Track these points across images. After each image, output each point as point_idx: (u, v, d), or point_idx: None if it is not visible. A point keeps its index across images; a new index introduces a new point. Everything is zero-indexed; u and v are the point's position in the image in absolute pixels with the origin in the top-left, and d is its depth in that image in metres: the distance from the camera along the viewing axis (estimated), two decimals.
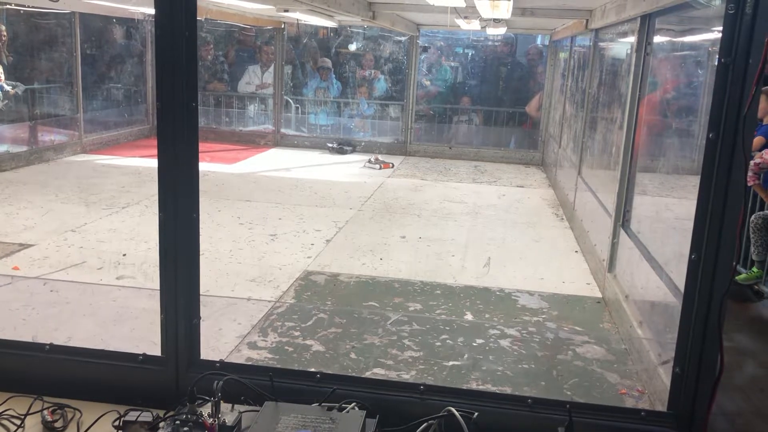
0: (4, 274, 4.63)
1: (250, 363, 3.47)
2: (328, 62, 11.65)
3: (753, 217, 4.89)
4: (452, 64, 11.74)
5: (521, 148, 11.05)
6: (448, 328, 4.19)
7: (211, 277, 4.84)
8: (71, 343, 3.74)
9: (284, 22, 10.68)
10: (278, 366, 3.55)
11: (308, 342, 3.86)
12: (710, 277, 2.67)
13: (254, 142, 11.23)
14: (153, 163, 7.34)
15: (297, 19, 9.18)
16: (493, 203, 7.85)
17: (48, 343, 3.19)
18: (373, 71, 11.70)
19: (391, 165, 9.75)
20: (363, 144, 11.21)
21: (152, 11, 2.14)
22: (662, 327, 3.48)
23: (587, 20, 6.40)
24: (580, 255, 5.85)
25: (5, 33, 9.43)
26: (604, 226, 5.00)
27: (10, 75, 9.23)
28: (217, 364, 3.08)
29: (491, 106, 11.31)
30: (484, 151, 10.97)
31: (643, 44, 4.39)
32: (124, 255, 5.22)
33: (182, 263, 2.95)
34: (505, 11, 5.29)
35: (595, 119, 6.13)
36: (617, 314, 4.32)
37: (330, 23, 9.32)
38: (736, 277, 4.98)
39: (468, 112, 11.42)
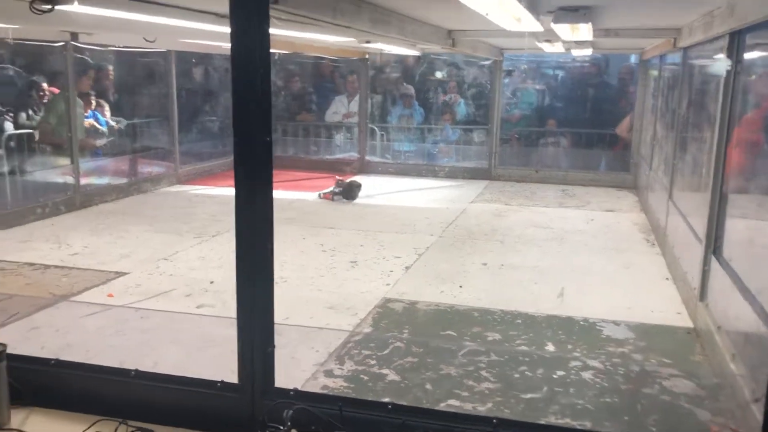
0: (96, 303, 4.89)
1: (323, 392, 3.50)
2: (411, 89, 11.76)
3: None
4: (538, 87, 11.60)
5: (612, 171, 10.72)
6: (527, 359, 4.08)
7: (291, 305, 4.94)
8: (157, 369, 3.89)
9: (368, 53, 10.88)
10: (352, 395, 3.57)
11: (383, 371, 3.86)
12: None
13: (340, 169, 11.42)
14: None
15: (380, 50, 9.33)
16: (580, 228, 7.63)
17: (134, 369, 3.35)
18: (453, 96, 11.71)
19: (331, 197, 8.96)
20: (446, 170, 11.20)
21: None
22: (757, 361, 3.26)
23: (675, 39, 6.18)
24: (671, 282, 5.59)
25: (112, 72, 10.11)
26: (695, 251, 4.76)
27: (114, 111, 9.86)
28: (291, 393, 3.12)
29: (580, 127, 11.07)
30: (573, 174, 10.71)
31: (734, 62, 4.19)
32: (212, 282, 5.40)
33: (257, 294, 3.05)
34: (585, 33, 5.19)
35: (686, 140, 5.87)
36: (709, 346, 4.08)
37: (413, 51, 9.42)
38: None
39: (555, 135, 11.22)
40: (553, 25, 4.21)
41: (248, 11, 2.70)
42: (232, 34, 2.75)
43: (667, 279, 5.71)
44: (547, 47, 7.91)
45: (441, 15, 4.64)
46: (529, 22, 4.21)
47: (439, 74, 11.82)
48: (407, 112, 11.80)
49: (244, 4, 2.69)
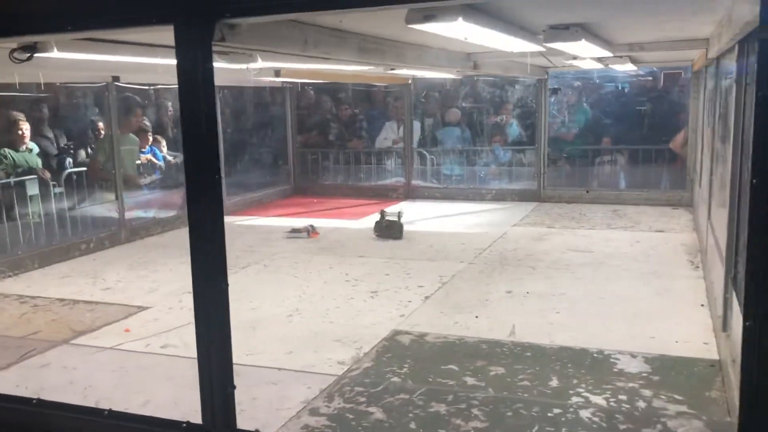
0: (110, 338, 4.97)
1: None
2: (457, 113, 11.64)
3: None
4: (588, 104, 11.26)
5: (668, 189, 10.24)
6: (526, 395, 3.87)
7: (299, 338, 4.90)
8: (146, 408, 3.93)
9: (410, 78, 10.85)
10: None
11: (371, 409, 3.74)
12: None
13: (386, 195, 11.41)
14: (288, 222, 7.74)
15: (412, 75, 9.28)
16: (623, 251, 7.28)
17: (107, 408, 3.37)
18: (504, 116, 11.52)
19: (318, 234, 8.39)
20: (494, 192, 10.98)
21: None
22: None
23: (706, 49, 5.84)
24: (705, 310, 5.22)
25: (171, 110, 10.50)
26: (719, 276, 4.42)
27: (172, 146, 10.22)
28: None
29: (633, 144, 10.65)
30: (626, 193, 10.29)
31: (743, 72, 3.90)
32: None
33: (214, 334, 3.02)
34: (597, 50, 4.97)
35: (717, 154, 5.52)
36: (728, 381, 3.76)
37: (450, 75, 9.32)
38: None
39: (609, 153, 10.84)
40: (547, 45, 4.05)
41: (192, 49, 2.72)
42: (177, 73, 2.78)
43: (702, 306, 5.34)
44: (581, 64, 7.66)
45: (425, 39, 4.54)
46: (522, 44, 4.06)
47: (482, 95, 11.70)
48: (457, 132, 11.68)
49: (187, 41, 2.71)
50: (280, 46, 3.19)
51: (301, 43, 3.44)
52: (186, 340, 4.89)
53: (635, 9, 3.79)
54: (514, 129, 11.32)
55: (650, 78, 10.94)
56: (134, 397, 3.96)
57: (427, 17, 3.04)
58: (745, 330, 2.23)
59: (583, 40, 3.93)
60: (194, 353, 4.51)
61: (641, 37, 5.42)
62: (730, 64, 4.69)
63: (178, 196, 9.94)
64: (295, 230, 8.49)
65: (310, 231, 8.42)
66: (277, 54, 3.77)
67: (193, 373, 4.42)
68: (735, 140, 4.02)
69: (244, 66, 4.76)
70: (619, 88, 11.08)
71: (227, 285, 3.00)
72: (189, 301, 5.84)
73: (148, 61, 4.57)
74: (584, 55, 5.50)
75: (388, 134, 12.22)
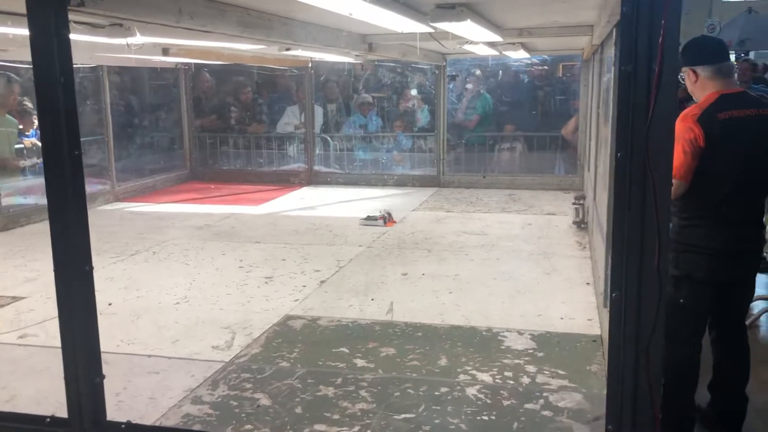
0: None
1: (158, 425, 3.26)
2: (369, 98, 11.56)
3: None
4: (486, 91, 11.46)
5: (559, 174, 10.61)
6: (414, 374, 3.87)
7: (185, 326, 4.71)
8: (14, 403, 3.67)
9: (311, 61, 10.68)
10: (214, 423, 3.34)
11: (257, 395, 3.63)
12: (635, 320, 2.30)
13: (287, 181, 11.23)
14: (182, 208, 7.40)
15: (310, 58, 9.14)
16: (515, 234, 7.45)
17: None
18: (416, 102, 11.53)
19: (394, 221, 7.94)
20: (396, 178, 11.02)
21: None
22: None
23: (591, 37, 6.03)
24: (591, 288, 5.41)
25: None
26: (602, 255, 4.58)
27: None
28: (123, 426, 2.90)
29: (529, 131, 10.94)
30: (521, 179, 10.56)
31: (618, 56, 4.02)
32: (110, 305, 5.15)
33: (78, 320, 2.82)
34: (490, 34, 5.01)
35: (599, 138, 5.72)
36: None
37: (348, 58, 9.21)
38: None
39: (510, 140, 11.08)
40: (434, 24, 4.03)
41: (44, 15, 2.50)
42: (30, 41, 2.55)
43: (588, 284, 5.53)
44: (476, 50, 7.75)
45: (311, 16, 4.44)
46: (409, 23, 4.03)
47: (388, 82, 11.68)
48: (364, 121, 11.61)
49: (40, 6, 2.50)
50: (151, 15, 3.00)
51: (175, 13, 3.25)
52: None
53: None
54: (426, 114, 11.35)
55: (545, 66, 11.25)
56: None
57: None
58: (612, 301, 2.28)
59: (469, 20, 3.93)
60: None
61: (530, 22, 5.52)
62: (609, 49, 4.84)
63: None
64: (370, 218, 7.88)
65: (387, 218, 7.89)
66: (154, 26, 3.56)
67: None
68: (612, 126, 4.14)
69: (123, 41, 4.49)
70: (518, 76, 11.32)
71: (92, 268, 2.81)
72: None
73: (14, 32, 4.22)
74: (475, 39, 5.54)
75: (290, 119, 12.00)
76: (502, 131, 11.15)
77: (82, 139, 8.92)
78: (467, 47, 7.31)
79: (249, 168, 11.78)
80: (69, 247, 2.73)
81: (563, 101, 11.08)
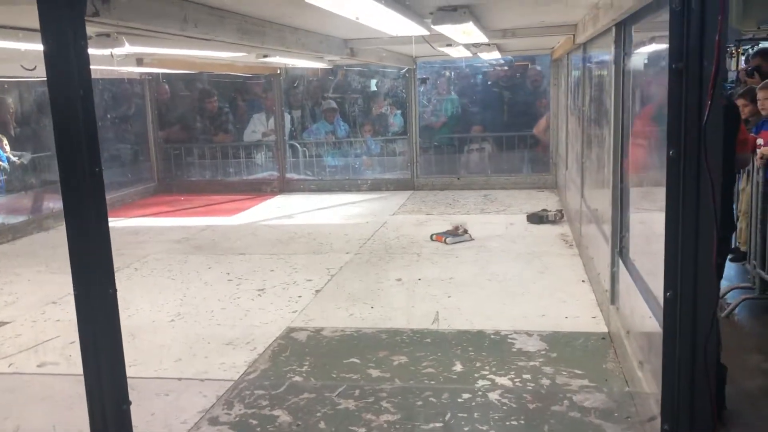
0: None
1: None
2: (333, 103, 11.46)
3: None
4: (455, 93, 11.49)
5: (533, 173, 10.70)
6: (433, 382, 3.82)
7: (185, 344, 4.56)
8: None
9: (279, 68, 10.56)
10: None
11: (275, 412, 3.52)
12: (691, 317, 2.29)
13: (260, 190, 11.06)
14: (155, 222, 7.13)
15: (284, 64, 9.02)
16: (499, 234, 7.47)
17: None
18: (389, 107, 11.47)
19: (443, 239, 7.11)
20: (369, 182, 10.95)
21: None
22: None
23: (573, 35, 6.08)
24: (587, 285, 5.44)
25: (12, 105, 9.48)
26: (604, 252, 4.60)
27: (16, 146, 9.25)
28: None
29: (498, 131, 11.01)
30: (494, 179, 10.62)
31: (621, 56, 4.05)
32: None
33: (103, 345, 2.68)
34: (479, 36, 4.99)
35: (591, 137, 5.76)
36: (621, 352, 3.90)
37: (320, 64, 9.13)
38: None
39: (478, 140, 11.12)
40: (435, 27, 3.99)
41: (61, 27, 2.37)
42: (45, 54, 2.41)
43: (583, 281, 5.56)
44: (452, 52, 7.75)
45: (316, 22, 4.37)
46: (410, 26, 3.98)
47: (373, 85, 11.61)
48: (331, 127, 11.50)
49: (56, 18, 2.36)
50: (159, 23, 2.88)
51: (181, 20, 3.14)
52: (65, 355, 4.43)
53: None
54: (399, 119, 11.30)
55: (511, 67, 11.33)
56: (2, 423, 3.50)
57: None
58: (666, 300, 2.27)
59: (471, 22, 3.91)
60: (71, 369, 4.08)
61: (517, 22, 5.53)
62: (602, 48, 4.88)
63: (29, 199, 9.08)
64: (454, 234, 7.09)
65: (463, 230, 7.22)
66: (154, 35, 3.43)
67: (72, 391, 3.99)
68: (616, 122, 4.18)
69: (108, 51, 4.33)
70: (484, 78, 11.37)
71: (115, 290, 2.69)
72: (54, 312, 5.36)
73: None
74: (463, 41, 5.53)
75: (257, 127, 11.83)
76: (469, 132, 11.18)
77: (41, 155, 8.58)
78: (443, 49, 7.30)
79: (218, 178, 11.57)
80: (91, 270, 2.60)
81: (530, 101, 11.16)
